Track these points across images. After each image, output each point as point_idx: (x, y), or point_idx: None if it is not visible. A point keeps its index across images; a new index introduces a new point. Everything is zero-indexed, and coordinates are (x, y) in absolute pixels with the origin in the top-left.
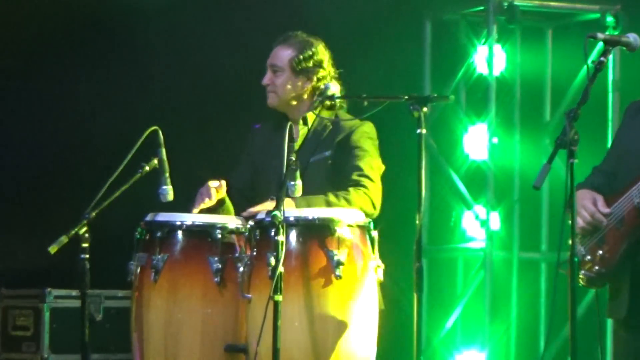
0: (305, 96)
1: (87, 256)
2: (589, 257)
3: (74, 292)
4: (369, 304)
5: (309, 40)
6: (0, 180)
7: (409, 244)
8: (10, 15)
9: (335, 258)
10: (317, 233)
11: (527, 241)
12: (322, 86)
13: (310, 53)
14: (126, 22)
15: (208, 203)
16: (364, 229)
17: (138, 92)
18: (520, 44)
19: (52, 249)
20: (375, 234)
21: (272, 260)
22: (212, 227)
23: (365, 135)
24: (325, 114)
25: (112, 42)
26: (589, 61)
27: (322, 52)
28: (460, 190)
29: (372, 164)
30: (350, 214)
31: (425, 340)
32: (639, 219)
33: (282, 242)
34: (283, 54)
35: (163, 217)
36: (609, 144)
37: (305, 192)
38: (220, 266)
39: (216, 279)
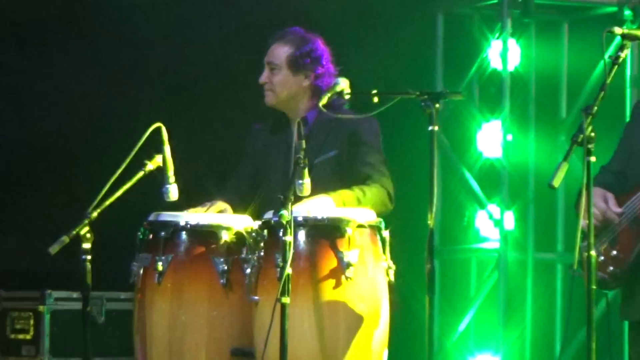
0: (304, 94)
1: (89, 257)
2: (602, 258)
3: (75, 294)
4: (380, 306)
5: (306, 36)
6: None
7: (421, 244)
8: (13, 11)
9: (346, 259)
10: (327, 233)
11: (542, 241)
12: (333, 83)
13: (308, 49)
14: (128, 17)
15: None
16: (374, 229)
17: (140, 88)
18: (535, 38)
19: (53, 250)
20: (386, 234)
21: (280, 262)
22: (218, 227)
23: (371, 130)
24: (326, 111)
25: (112, 37)
26: (606, 56)
27: (320, 48)
28: (473, 189)
29: (380, 159)
30: (361, 214)
31: (438, 343)
32: None
33: (290, 242)
34: (280, 51)
35: (167, 216)
36: None
37: (312, 193)
38: (226, 267)
39: (222, 281)
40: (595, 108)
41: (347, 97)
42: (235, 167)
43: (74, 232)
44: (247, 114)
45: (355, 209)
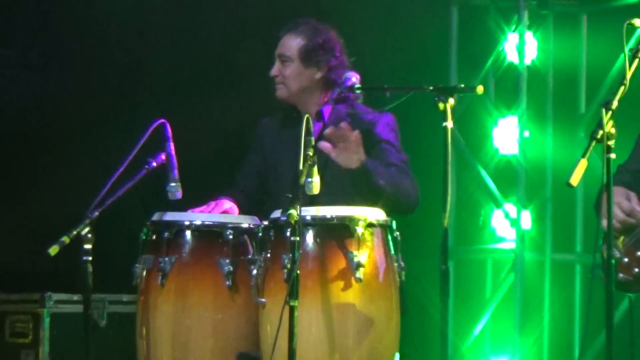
0: (316, 87)
1: (90, 258)
2: (626, 260)
3: (76, 297)
4: (392, 309)
5: (319, 28)
6: None
7: (435, 244)
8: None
9: (355, 260)
10: (336, 233)
11: (560, 241)
12: (344, 77)
13: (321, 41)
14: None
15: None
16: (385, 228)
17: (143, 84)
18: (553, 30)
19: (53, 251)
20: (397, 233)
21: (288, 262)
22: (223, 227)
23: (388, 127)
24: (341, 105)
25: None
26: (627, 49)
27: (333, 40)
28: (489, 187)
29: (402, 158)
30: (372, 213)
31: (452, 347)
32: None
33: (297, 242)
34: (292, 43)
35: (171, 216)
36: None
37: (326, 193)
38: (232, 269)
39: (228, 283)
40: (616, 103)
41: (358, 91)
42: (241, 162)
43: (75, 233)
44: (254, 109)
45: (367, 208)
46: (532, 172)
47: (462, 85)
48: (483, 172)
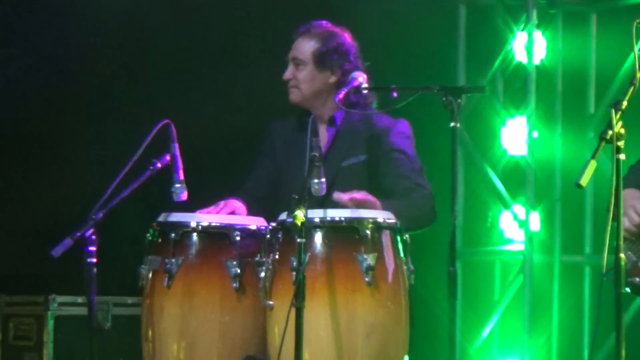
0: (330, 91)
1: (95, 260)
2: None
3: (80, 299)
4: (401, 312)
5: (333, 31)
6: (1, 179)
7: (442, 246)
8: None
9: (364, 262)
10: (345, 235)
11: (569, 243)
12: (350, 77)
13: (335, 45)
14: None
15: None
16: (395, 230)
17: (148, 84)
18: (562, 29)
19: (56, 253)
20: (407, 236)
21: (296, 265)
22: (230, 228)
23: (402, 135)
24: (354, 110)
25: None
26: (637, 48)
27: (348, 44)
28: (497, 188)
29: (417, 168)
30: (381, 215)
31: (460, 350)
32: None
33: (303, 243)
34: (305, 46)
35: (177, 217)
36: None
37: (339, 204)
38: (239, 271)
39: (235, 285)
40: (625, 103)
41: (364, 91)
42: (250, 166)
43: (79, 234)
44: (260, 110)
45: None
46: (540, 172)
47: (470, 85)
48: (491, 173)
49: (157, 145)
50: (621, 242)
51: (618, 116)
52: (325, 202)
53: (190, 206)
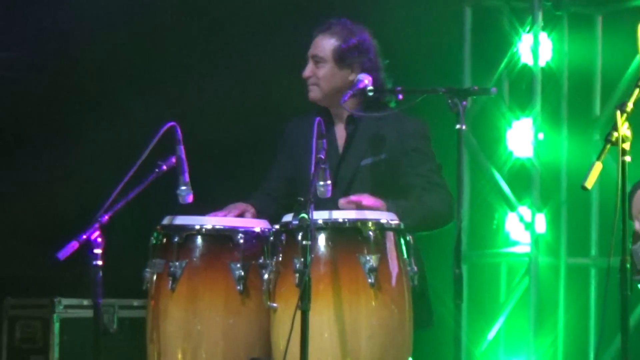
0: (350, 89)
1: (100, 263)
2: None
3: (86, 302)
4: (404, 313)
5: (353, 28)
6: (5, 181)
7: (448, 248)
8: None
9: (368, 264)
10: (348, 237)
11: (575, 245)
12: (355, 80)
13: (355, 42)
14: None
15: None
16: (398, 232)
17: (154, 87)
18: (568, 31)
19: (62, 255)
20: (410, 237)
21: (300, 267)
22: (234, 231)
23: (419, 134)
24: (372, 109)
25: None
26: None
27: (368, 41)
28: (503, 191)
29: (434, 167)
30: (384, 216)
31: (466, 352)
32: None
33: (309, 245)
34: (325, 44)
35: (181, 220)
36: None
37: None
38: (243, 273)
39: (239, 287)
40: (631, 105)
41: (370, 94)
42: (268, 171)
43: (85, 237)
44: (266, 113)
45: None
46: (546, 175)
47: (476, 87)
48: (497, 175)
49: (163, 147)
50: (628, 244)
51: (624, 118)
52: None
53: (195, 209)
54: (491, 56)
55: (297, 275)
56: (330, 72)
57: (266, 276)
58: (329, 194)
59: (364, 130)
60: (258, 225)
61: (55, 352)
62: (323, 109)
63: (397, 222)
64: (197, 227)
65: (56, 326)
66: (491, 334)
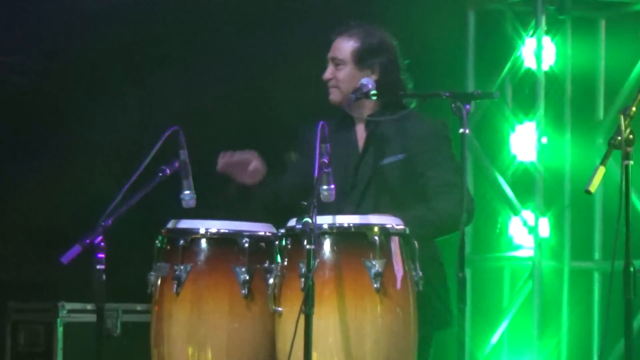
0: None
1: (104, 267)
2: None
3: (89, 306)
4: (410, 318)
5: (372, 30)
6: (9, 185)
7: (451, 252)
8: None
9: (373, 269)
10: (353, 241)
11: (579, 249)
12: (359, 83)
13: (375, 43)
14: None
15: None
16: (403, 237)
17: (158, 90)
18: (571, 35)
19: (66, 260)
20: (415, 242)
21: (305, 271)
22: (239, 234)
23: (438, 135)
24: (392, 110)
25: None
26: None
27: (387, 42)
28: (506, 195)
29: (452, 167)
30: (389, 221)
31: (470, 356)
32: None
33: (312, 250)
34: (345, 46)
35: (186, 223)
36: None
37: (377, 197)
38: (247, 277)
39: (243, 291)
40: (634, 109)
41: (374, 98)
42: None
43: (88, 241)
44: (268, 116)
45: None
46: (550, 179)
47: (479, 91)
48: (500, 179)
49: (166, 151)
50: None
51: (627, 122)
52: (362, 204)
53: (199, 213)
54: (494, 60)
55: (302, 279)
56: (350, 74)
57: (271, 280)
58: (332, 198)
59: (384, 130)
60: (263, 229)
61: (58, 357)
62: (344, 111)
63: (402, 226)
64: (202, 230)
65: (59, 330)
66: (495, 338)
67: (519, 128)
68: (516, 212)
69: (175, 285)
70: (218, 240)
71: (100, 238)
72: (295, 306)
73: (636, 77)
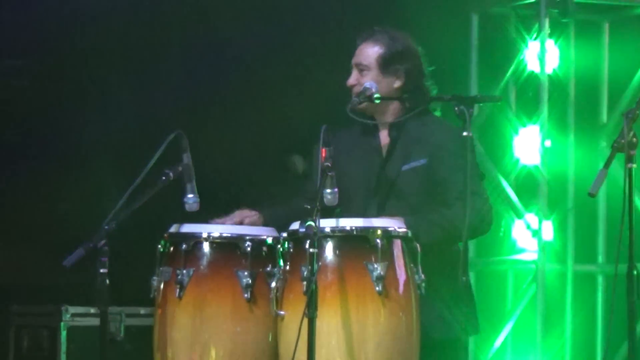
0: (394, 96)
1: (107, 271)
2: None
3: (93, 310)
4: (412, 321)
5: (396, 35)
6: (13, 188)
7: (455, 256)
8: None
9: (375, 272)
10: (356, 245)
11: (582, 252)
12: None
13: (400, 48)
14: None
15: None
16: (405, 240)
17: (160, 94)
18: (575, 38)
19: (69, 263)
20: (417, 245)
21: (307, 275)
22: (241, 238)
23: (457, 143)
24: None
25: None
26: None
27: (411, 48)
28: (510, 198)
29: (472, 175)
30: (392, 224)
31: (473, 359)
32: None
33: (315, 253)
34: (369, 51)
35: (188, 228)
36: None
37: (398, 202)
38: (250, 281)
39: (246, 295)
40: (638, 112)
41: (377, 101)
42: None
43: (92, 245)
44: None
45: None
46: (553, 182)
47: (483, 95)
48: (504, 182)
49: (170, 155)
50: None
51: (631, 125)
52: (385, 208)
53: (202, 217)
54: (498, 63)
55: (305, 283)
56: (375, 79)
57: (273, 284)
58: (336, 202)
59: (407, 136)
60: (265, 233)
61: None
62: (368, 116)
63: (404, 229)
64: (205, 234)
65: (63, 334)
66: (498, 341)
67: (522, 131)
68: (520, 216)
69: (177, 289)
70: (220, 244)
71: (103, 242)
72: (298, 309)
73: (639, 80)
